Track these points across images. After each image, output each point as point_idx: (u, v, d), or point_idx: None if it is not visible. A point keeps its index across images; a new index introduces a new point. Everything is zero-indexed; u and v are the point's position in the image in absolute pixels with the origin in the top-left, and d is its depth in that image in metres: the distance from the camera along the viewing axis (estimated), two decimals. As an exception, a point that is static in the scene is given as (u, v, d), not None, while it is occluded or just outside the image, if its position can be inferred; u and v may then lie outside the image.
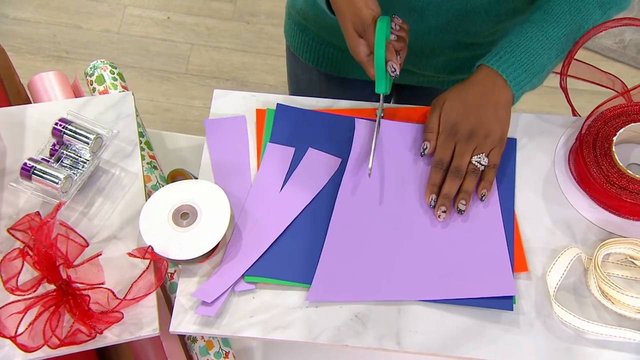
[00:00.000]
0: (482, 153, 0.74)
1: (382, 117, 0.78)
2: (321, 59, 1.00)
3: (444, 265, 0.71)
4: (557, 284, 0.70)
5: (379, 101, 0.77)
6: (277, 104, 0.83)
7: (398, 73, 0.72)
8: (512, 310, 0.69)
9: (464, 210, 0.73)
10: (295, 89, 1.12)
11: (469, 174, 0.74)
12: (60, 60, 1.98)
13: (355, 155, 0.78)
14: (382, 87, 0.74)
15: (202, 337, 0.78)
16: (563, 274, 0.70)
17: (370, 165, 0.73)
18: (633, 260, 0.72)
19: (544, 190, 0.77)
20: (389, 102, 1.09)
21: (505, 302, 0.69)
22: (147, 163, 0.88)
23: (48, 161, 0.74)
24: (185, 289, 0.70)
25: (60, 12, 2.07)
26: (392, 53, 0.71)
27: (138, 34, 2.03)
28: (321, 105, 0.84)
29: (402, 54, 0.74)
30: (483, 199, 0.74)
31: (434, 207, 0.74)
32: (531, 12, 0.79)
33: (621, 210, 0.73)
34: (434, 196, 0.74)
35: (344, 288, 0.70)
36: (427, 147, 0.76)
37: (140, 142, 0.88)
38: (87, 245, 0.69)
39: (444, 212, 0.73)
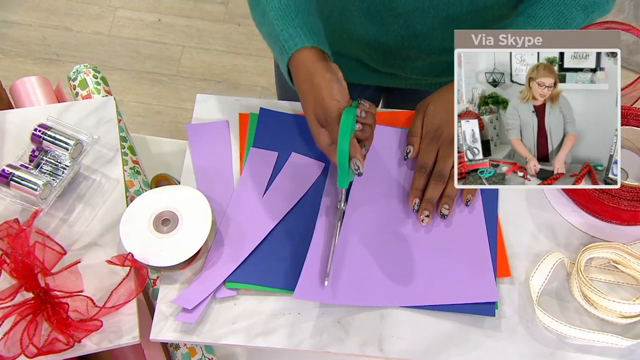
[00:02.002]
0: (465, 157, 0.74)
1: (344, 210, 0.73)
2: (307, 61, 0.99)
3: (427, 271, 0.71)
4: (539, 288, 0.69)
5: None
6: (260, 108, 0.82)
7: (362, 171, 0.65)
8: (494, 315, 0.68)
9: (447, 215, 0.72)
10: (284, 92, 1.11)
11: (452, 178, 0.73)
12: (50, 63, 1.97)
13: None
14: (344, 183, 0.69)
15: (185, 344, 0.78)
16: (546, 278, 0.70)
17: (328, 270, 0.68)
18: (616, 265, 0.72)
19: (527, 194, 0.76)
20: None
21: (488, 308, 0.69)
22: (131, 168, 0.87)
23: (27, 167, 0.74)
24: (166, 296, 0.70)
25: (50, 15, 2.06)
26: (357, 149, 0.65)
27: (129, 36, 2.03)
28: (305, 110, 0.83)
29: (367, 145, 0.69)
30: (468, 204, 0.74)
31: (417, 211, 0.73)
32: (515, 16, 0.78)
33: (604, 214, 0.73)
34: (417, 200, 0.73)
35: (328, 290, 0.69)
36: (410, 151, 0.76)
37: (124, 147, 0.87)
38: (65, 253, 0.68)
39: (427, 216, 0.72)
